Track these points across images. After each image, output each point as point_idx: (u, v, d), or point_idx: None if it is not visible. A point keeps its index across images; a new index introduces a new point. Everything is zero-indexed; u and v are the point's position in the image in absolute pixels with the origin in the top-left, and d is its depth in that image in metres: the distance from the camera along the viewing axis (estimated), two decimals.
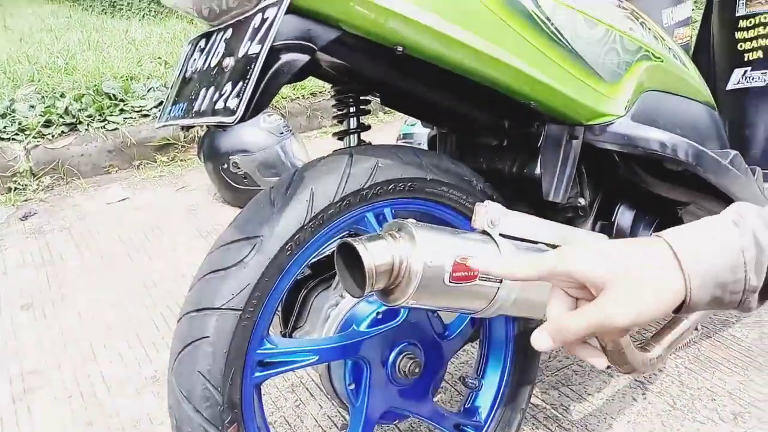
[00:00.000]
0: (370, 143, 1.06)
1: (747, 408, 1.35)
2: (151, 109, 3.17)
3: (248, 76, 0.67)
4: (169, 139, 3.08)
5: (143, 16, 7.98)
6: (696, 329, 1.17)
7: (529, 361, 1.16)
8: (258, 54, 0.67)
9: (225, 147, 2.40)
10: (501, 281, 0.78)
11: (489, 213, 0.82)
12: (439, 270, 0.73)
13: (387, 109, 4.03)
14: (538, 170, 0.98)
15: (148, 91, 3.31)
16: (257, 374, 0.85)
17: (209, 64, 0.80)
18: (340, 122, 1.06)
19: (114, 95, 3.17)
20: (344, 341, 0.91)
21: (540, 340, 0.53)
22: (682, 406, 1.36)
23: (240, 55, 0.71)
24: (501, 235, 0.83)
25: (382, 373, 0.95)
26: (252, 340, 0.83)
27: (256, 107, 0.70)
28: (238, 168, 2.38)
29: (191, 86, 0.85)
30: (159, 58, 3.86)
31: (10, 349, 1.71)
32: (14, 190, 2.71)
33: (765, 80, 1.61)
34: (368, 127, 1.07)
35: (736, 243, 0.50)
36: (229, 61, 0.73)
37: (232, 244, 0.83)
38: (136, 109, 3.15)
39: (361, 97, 1.04)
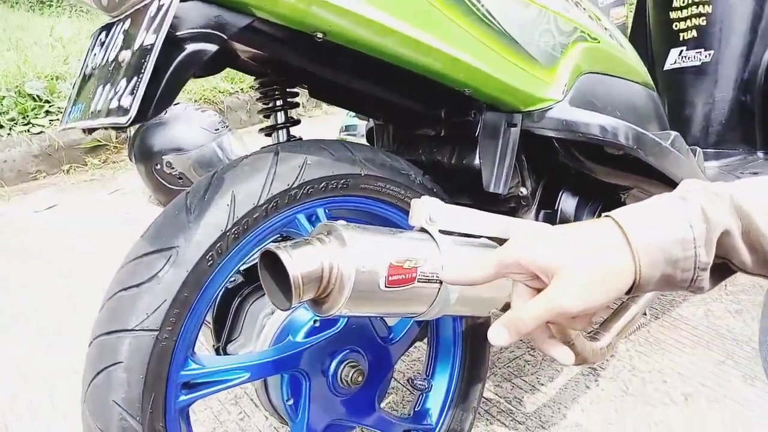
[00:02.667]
0: (300, 138, 0.99)
1: (696, 387, 1.35)
2: None
3: (142, 70, 0.59)
4: (100, 141, 2.92)
5: (72, 12, 7.61)
6: (644, 314, 1.16)
7: (479, 358, 1.12)
8: (153, 45, 0.59)
9: (157, 146, 2.27)
10: (441, 282, 0.73)
11: (426, 209, 0.77)
12: (374, 275, 0.67)
13: None
14: (477, 161, 0.93)
15: None
16: (182, 398, 0.78)
17: (107, 58, 0.72)
18: (267, 117, 0.99)
19: (38, 96, 2.98)
20: (278, 355, 0.84)
21: (496, 335, 0.52)
22: (634, 391, 1.36)
23: (136, 47, 0.63)
24: (441, 231, 0.77)
25: (322, 384, 0.89)
26: (173, 361, 0.76)
27: (158, 105, 0.63)
28: (172, 168, 2.26)
29: (91, 84, 0.76)
30: None
31: None
32: None
33: (700, 59, 1.61)
34: (297, 122, 1.00)
35: (684, 217, 0.48)
36: (125, 55, 0.65)
37: (143, 257, 0.75)
38: (63, 110, 2.97)
39: (288, 89, 0.97)
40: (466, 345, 1.09)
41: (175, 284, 0.73)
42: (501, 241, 0.86)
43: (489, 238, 0.84)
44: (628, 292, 0.50)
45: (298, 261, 0.65)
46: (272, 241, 0.85)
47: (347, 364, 0.90)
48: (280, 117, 0.97)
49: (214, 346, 1.03)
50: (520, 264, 0.52)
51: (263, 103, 0.97)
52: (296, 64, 0.81)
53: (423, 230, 0.77)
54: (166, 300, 0.73)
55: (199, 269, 0.75)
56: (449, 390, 1.09)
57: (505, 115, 0.91)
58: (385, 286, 0.68)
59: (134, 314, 0.72)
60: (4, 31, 4.78)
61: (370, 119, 1.17)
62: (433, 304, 0.75)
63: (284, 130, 0.98)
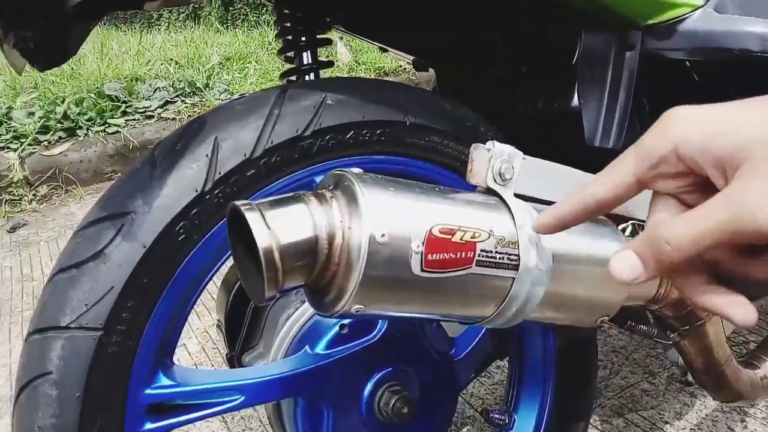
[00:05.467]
0: None
1: None
2: (155, 109, 2.96)
3: None
4: None
5: (178, 30, 7.90)
6: None
7: (580, 385, 0.83)
8: None
9: None
10: (518, 267, 0.46)
11: (496, 159, 0.51)
12: (402, 249, 0.41)
13: None
14: (574, 102, 0.66)
15: (154, 91, 3.10)
16: (149, 426, 0.56)
17: None
18: (290, 61, 0.76)
19: (116, 97, 2.97)
20: (286, 371, 0.60)
21: (621, 263, 0.33)
22: None
23: None
24: (516, 196, 0.51)
25: (352, 416, 0.64)
26: (134, 374, 0.54)
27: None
28: None
29: None
30: (170, 59, 3.66)
31: None
32: (8, 202, 2.52)
33: None
34: (330, 64, 0.77)
35: None
36: None
37: (89, 227, 0.53)
38: (140, 110, 2.94)
39: (315, 19, 0.74)
40: (564, 366, 0.80)
41: (127, 264, 0.52)
42: (616, 219, 0.57)
43: None
44: None
45: (275, 225, 0.40)
46: None
47: (387, 388, 0.65)
48: (306, 57, 0.74)
49: (227, 355, 0.81)
50: (679, 155, 0.32)
51: (283, 41, 0.75)
52: None
53: (490, 191, 0.51)
54: (114, 287, 0.51)
55: (166, 244, 0.53)
56: (538, 428, 0.81)
57: (617, 34, 0.63)
58: (422, 270, 0.42)
59: (68, 306, 0.51)
60: (105, 44, 4.96)
61: (429, 69, 0.91)
62: (504, 303, 0.47)
63: (312, 75, 0.75)
